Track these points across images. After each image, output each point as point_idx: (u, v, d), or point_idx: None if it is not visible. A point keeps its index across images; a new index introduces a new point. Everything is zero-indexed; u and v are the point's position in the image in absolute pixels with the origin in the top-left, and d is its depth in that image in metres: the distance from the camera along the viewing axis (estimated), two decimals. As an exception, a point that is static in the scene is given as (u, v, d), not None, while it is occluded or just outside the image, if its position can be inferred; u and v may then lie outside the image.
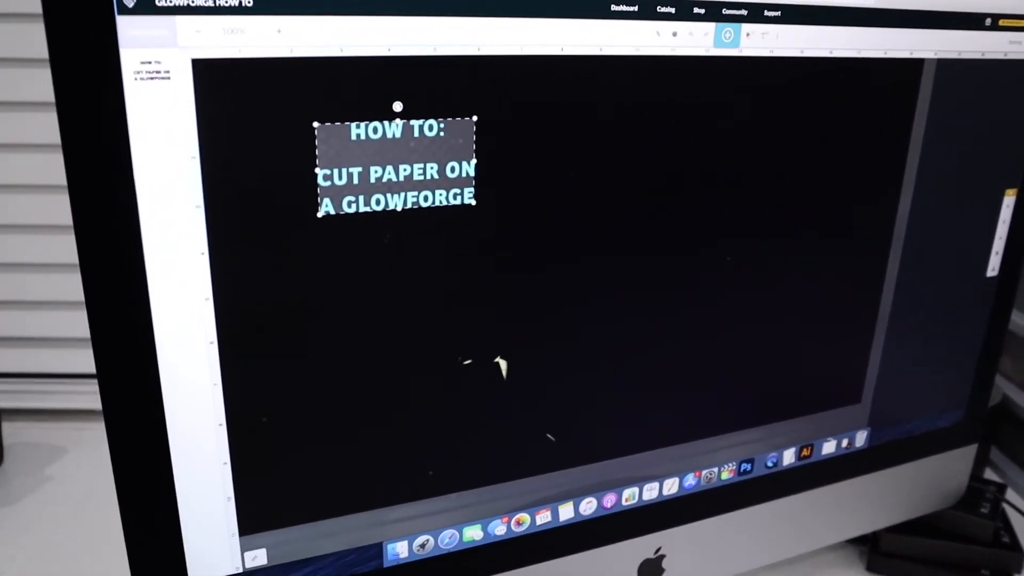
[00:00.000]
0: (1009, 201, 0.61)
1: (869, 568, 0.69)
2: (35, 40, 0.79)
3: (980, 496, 0.71)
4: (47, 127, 0.81)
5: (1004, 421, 0.83)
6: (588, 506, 0.53)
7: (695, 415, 0.55)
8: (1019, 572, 0.67)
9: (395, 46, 0.39)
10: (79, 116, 0.35)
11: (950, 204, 0.58)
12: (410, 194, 0.42)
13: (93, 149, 0.35)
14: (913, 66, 0.52)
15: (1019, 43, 0.55)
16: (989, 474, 0.83)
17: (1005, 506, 0.72)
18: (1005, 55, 0.55)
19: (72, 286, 0.85)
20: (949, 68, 0.54)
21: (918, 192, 0.56)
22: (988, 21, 0.54)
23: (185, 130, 0.36)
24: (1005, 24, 0.54)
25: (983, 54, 0.54)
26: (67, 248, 0.83)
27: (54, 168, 0.81)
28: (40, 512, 0.74)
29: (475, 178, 0.43)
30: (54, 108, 0.34)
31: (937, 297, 0.61)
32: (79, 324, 0.85)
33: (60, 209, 0.82)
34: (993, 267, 0.62)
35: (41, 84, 0.80)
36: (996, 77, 0.56)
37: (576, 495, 0.53)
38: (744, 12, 0.46)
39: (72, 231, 0.36)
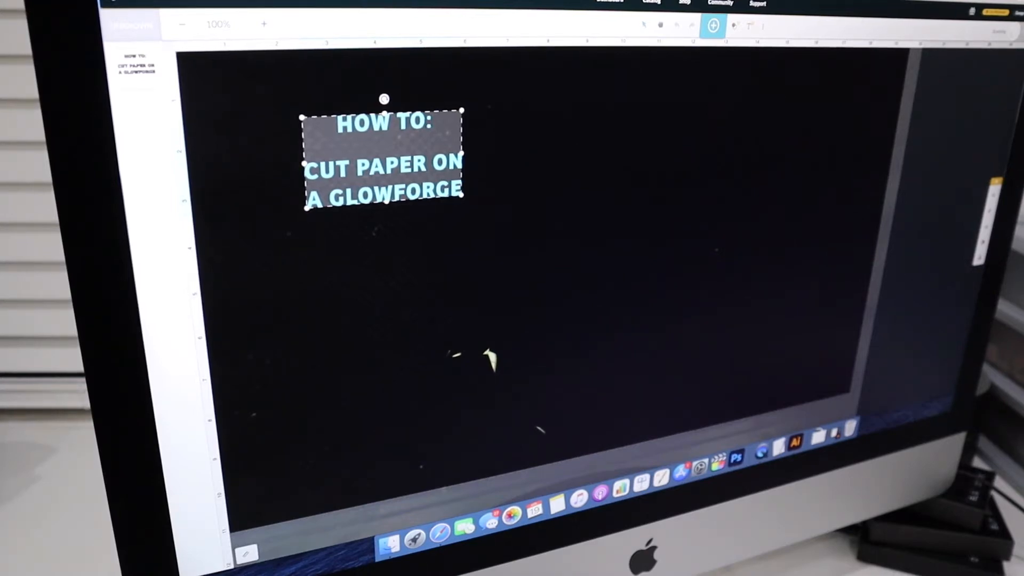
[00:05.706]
0: (995, 190, 0.61)
1: (860, 557, 0.70)
2: (20, 35, 0.78)
3: (969, 484, 0.72)
4: (31, 124, 0.80)
5: (992, 410, 0.84)
6: (579, 498, 0.54)
7: (685, 406, 0.55)
8: (1007, 559, 0.68)
9: (381, 38, 0.39)
10: (63, 111, 0.35)
11: (936, 193, 0.59)
12: (397, 187, 0.41)
13: (78, 144, 0.35)
14: (898, 56, 0.53)
15: (1003, 32, 0.55)
16: (978, 462, 0.84)
17: (993, 494, 0.73)
18: (989, 44, 0.55)
19: (58, 284, 0.84)
20: (934, 58, 0.54)
21: (904, 181, 0.56)
22: (972, 11, 0.54)
23: (171, 124, 0.36)
24: (988, 14, 0.54)
25: (967, 44, 0.55)
26: (53, 245, 0.82)
27: (38, 165, 0.80)
28: (30, 512, 0.73)
29: (462, 170, 0.43)
30: (38, 104, 0.34)
31: (924, 286, 0.61)
32: (66, 322, 0.85)
33: (46, 206, 0.82)
34: (979, 256, 0.63)
35: (27, 81, 0.79)
36: (980, 66, 0.56)
37: (567, 487, 0.53)
38: (730, 2, 0.46)
39: (58, 228, 0.36)
